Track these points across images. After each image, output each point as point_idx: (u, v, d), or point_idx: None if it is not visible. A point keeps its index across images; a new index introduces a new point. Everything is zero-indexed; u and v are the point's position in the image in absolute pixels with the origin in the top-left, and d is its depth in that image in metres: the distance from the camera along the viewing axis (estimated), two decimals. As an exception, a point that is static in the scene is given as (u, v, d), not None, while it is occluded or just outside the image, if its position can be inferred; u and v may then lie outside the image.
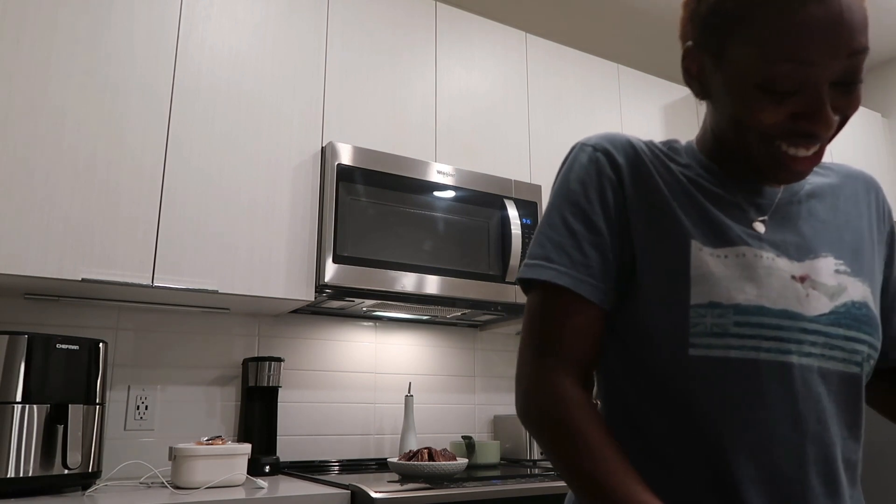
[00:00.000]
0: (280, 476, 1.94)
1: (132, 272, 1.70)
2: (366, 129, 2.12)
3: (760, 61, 0.63)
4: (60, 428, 1.54)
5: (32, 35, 1.68)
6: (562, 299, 0.70)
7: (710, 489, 0.66)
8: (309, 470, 2.05)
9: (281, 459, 2.06)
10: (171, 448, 1.66)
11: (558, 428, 0.67)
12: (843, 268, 0.72)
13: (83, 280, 1.63)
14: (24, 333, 1.55)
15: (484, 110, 2.37)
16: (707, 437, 0.67)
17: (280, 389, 2.12)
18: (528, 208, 2.25)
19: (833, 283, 0.70)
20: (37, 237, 1.61)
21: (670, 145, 0.79)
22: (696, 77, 0.73)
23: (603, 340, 0.74)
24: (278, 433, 2.09)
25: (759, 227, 0.72)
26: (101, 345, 1.68)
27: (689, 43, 0.72)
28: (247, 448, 1.71)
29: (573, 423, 0.66)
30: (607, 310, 0.72)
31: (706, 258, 0.68)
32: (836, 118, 0.65)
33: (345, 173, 1.96)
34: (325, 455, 2.20)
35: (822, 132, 0.64)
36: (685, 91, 3.09)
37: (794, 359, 0.66)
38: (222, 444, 1.68)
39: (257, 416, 2.03)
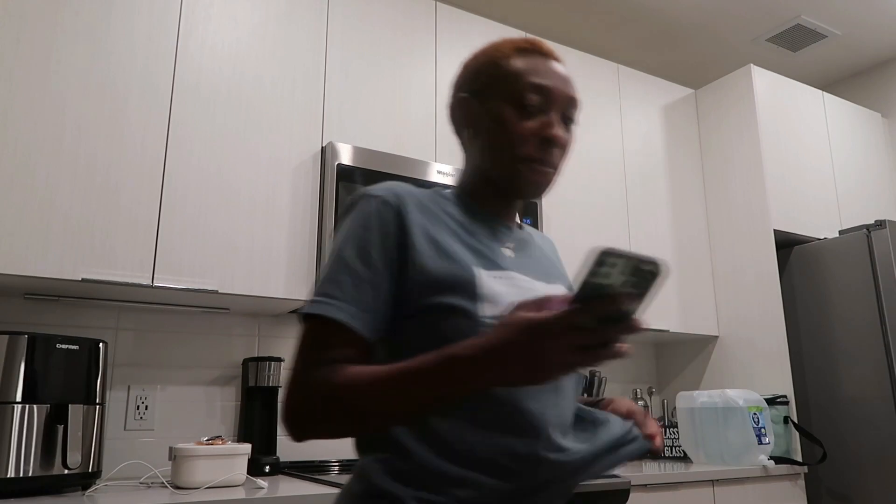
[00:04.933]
0: (280, 476, 1.94)
1: (132, 272, 1.70)
2: (366, 129, 2.12)
3: (517, 93, 0.90)
4: (60, 428, 1.54)
5: (32, 34, 1.68)
6: (337, 332, 0.80)
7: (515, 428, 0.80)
8: (309, 470, 2.04)
9: (281, 459, 2.05)
10: (171, 448, 1.66)
11: (340, 396, 0.76)
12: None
13: (83, 280, 1.63)
14: (24, 333, 1.55)
15: (484, 110, 2.37)
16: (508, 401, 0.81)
17: (280, 389, 2.12)
18: (527, 208, 2.25)
19: None
20: (37, 237, 1.61)
21: (440, 192, 0.96)
22: (467, 123, 0.94)
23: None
24: (278, 433, 2.08)
25: (508, 253, 0.92)
26: (101, 345, 1.68)
27: (463, 94, 0.94)
28: (247, 448, 1.71)
29: (347, 378, 0.76)
30: (372, 341, 0.83)
31: (487, 280, 0.85)
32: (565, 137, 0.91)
33: (345, 173, 1.96)
34: (325, 455, 2.20)
35: (558, 139, 0.89)
36: (685, 91, 3.09)
37: None
38: (222, 444, 1.68)
39: (257, 416, 2.03)
